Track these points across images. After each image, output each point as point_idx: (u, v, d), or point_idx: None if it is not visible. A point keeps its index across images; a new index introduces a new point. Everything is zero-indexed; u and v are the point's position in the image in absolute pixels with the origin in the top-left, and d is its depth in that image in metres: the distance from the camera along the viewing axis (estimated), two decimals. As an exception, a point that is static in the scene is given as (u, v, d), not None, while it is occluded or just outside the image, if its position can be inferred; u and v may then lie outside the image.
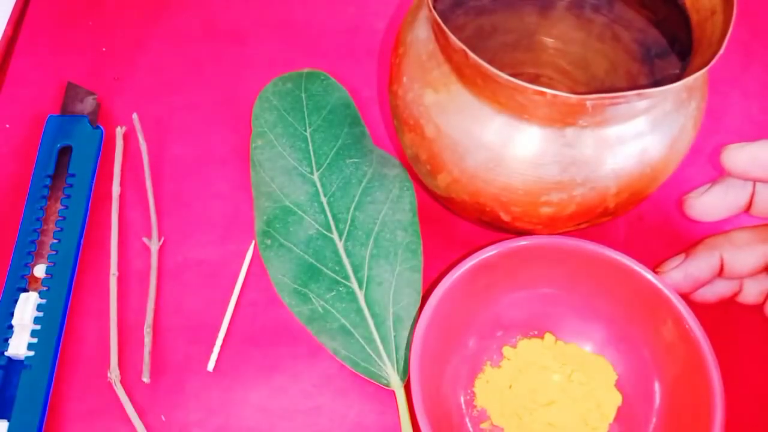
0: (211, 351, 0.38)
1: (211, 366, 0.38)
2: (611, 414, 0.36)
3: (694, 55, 0.32)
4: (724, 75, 0.47)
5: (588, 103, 0.29)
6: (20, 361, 0.37)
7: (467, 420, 0.36)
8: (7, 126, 0.45)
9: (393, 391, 0.37)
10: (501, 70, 0.29)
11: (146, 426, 0.36)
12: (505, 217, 0.35)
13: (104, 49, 0.48)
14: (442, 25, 0.30)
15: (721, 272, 0.35)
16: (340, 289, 0.38)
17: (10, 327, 0.38)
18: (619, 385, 0.37)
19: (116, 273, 0.40)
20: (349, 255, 0.39)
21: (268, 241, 0.40)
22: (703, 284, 0.36)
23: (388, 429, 0.37)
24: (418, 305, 0.38)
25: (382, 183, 0.41)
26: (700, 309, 0.34)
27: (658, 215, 0.42)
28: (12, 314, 0.38)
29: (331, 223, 0.40)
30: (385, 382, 0.36)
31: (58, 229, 0.40)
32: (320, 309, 0.38)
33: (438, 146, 0.34)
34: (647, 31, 0.39)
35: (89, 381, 0.37)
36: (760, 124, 0.46)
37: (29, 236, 0.40)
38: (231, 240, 0.42)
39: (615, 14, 0.40)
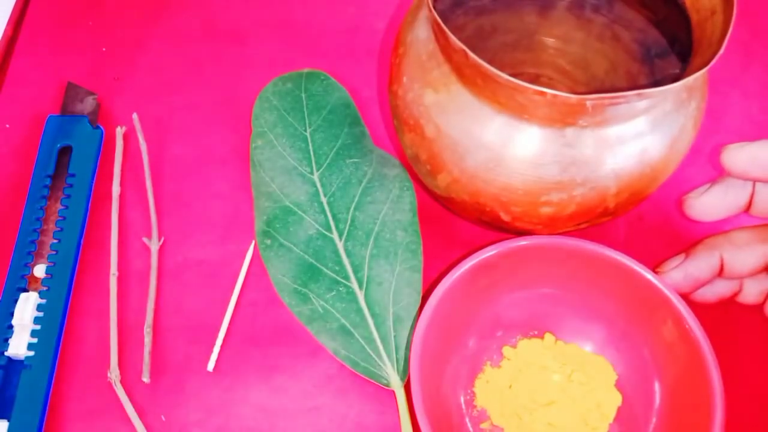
0: (211, 351, 0.38)
1: (211, 366, 0.38)
2: (611, 414, 0.36)
3: (694, 55, 0.32)
4: (724, 75, 0.47)
5: (588, 103, 0.29)
6: (20, 361, 0.37)
7: (467, 420, 0.36)
8: (7, 126, 0.45)
9: (393, 391, 0.37)
10: (501, 70, 0.29)
11: (146, 426, 0.36)
12: (505, 217, 0.35)
13: (104, 49, 0.48)
14: (442, 25, 0.30)
15: (721, 272, 0.35)
16: (340, 289, 0.38)
17: (10, 327, 0.38)
18: (619, 385, 0.37)
19: (116, 273, 0.40)
20: (349, 255, 0.39)
21: (268, 241, 0.40)
22: (703, 284, 0.36)
23: (388, 429, 0.37)
24: (418, 305, 0.38)
25: (382, 183, 0.41)
26: (700, 309, 0.34)
27: (658, 215, 0.42)
28: (12, 314, 0.38)
29: (331, 223, 0.40)
30: (385, 382, 0.36)
31: (58, 229, 0.40)
32: (320, 309, 0.38)
33: (438, 146, 0.34)
34: (647, 31, 0.39)
35: (89, 381, 0.37)
36: (760, 124, 0.46)
37: (29, 236, 0.40)
38: (231, 240, 0.42)
39: (615, 14, 0.40)
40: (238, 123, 0.45)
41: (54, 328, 0.38)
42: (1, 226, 0.41)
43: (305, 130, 0.42)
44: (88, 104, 0.45)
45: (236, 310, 0.40)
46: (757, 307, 0.37)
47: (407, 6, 0.43)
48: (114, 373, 0.37)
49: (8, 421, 0.35)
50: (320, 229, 0.40)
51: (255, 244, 0.41)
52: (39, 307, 0.38)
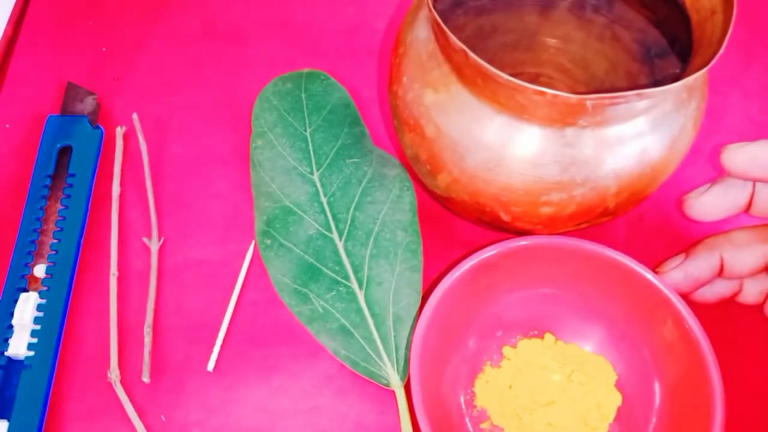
0: (211, 351, 0.38)
1: (211, 366, 0.38)
2: (611, 414, 0.36)
3: (694, 55, 0.32)
4: (724, 75, 0.47)
5: (588, 103, 0.29)
6: (20, 361, 0.37)
7: (467, 420, 0.36)
8: (7, 126, 0.45)
9: (393, 391, 0.37)
10: (501, 70, 0.29)
11: (146, 426, 0.36)
12: (505, 217, 0.35)
13: (104, 49, 0.48)
14: (442, 25, 0.30)
15: (721, 272, 0.35)
16: (340, 289, 0.38)
17: (10, 327, 0.38)
18: (619, 385, 0.37)
19: (116, 273, 0.40)
20: (349, 255, 0.39)
21: (268, 241, 0.40)
22: (703, 284, 0.36)
23: (388, 429, 0.37)
24: (418, 305, 0.38)
25: (382, 183, 0.41)
26: (700, 309, 0.34)
27: (658, 215, 0.42)
28: (12, 314, 0.38)
29: (331, 223, 0.40)
30: (385, 382, 0.36)
31: (58, 229, 0.40)
32: (320, 309, 0.38)
33: (438, 146, 0.34)
34: (647, 31, 0.39)
35: (89, 381, 0.37)
36: (760, 124, 0.46)
37: (29, 236, 0.40)
38: (231, 240, 0.42)
39: (615, 14, 0.40)
40: (238, 123, 0.45)
41: (54, 328, 0.38)
42: (1, 226, 0.41)
43: (305, 130, 0.42)
44: (88, 104, 0.45)
45: (236, 310, 0.40)
46: (757, 307, 0.37)
47: (407, 6, 0.43)
48: (114, 373, 0.37)
49: (8, 421, 0.35)
50: (320, 229, 0.40)
51: (255, 244, 0.41)
52: (39, 307, 0.38)
